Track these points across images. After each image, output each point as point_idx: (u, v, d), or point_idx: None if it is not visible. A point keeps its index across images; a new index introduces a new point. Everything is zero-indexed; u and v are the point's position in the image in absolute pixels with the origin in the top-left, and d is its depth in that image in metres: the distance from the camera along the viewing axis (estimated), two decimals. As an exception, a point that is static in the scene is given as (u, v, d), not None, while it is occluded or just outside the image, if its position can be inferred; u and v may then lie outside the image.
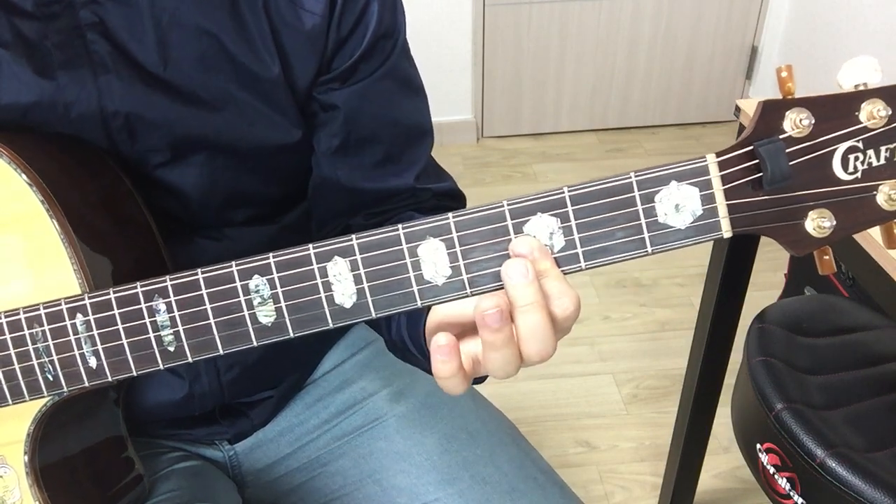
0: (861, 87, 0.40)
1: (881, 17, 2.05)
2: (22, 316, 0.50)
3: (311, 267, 0.45)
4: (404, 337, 0.59)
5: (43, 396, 0.52)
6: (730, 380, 1.17)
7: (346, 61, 0.64)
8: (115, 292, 0.48)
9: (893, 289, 0.83)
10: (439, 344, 0.44)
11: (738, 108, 1.04)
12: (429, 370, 0.58)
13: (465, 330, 0.48)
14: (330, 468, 0.75)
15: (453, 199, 0.73)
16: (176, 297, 0.47)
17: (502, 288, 0.44)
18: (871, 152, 0.41)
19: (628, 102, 2.75)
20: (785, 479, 0.95)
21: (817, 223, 0.42)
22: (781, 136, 0.41)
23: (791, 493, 0.95)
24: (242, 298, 0.45)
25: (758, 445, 1.00)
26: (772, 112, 0.41)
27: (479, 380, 0.55)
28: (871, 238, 0.84)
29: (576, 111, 2.75)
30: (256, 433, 0.78)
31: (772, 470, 0.97)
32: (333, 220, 0.71)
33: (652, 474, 1.55)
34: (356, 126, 0.66)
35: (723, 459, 1.57)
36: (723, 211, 0.42)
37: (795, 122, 0.40)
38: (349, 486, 0.73)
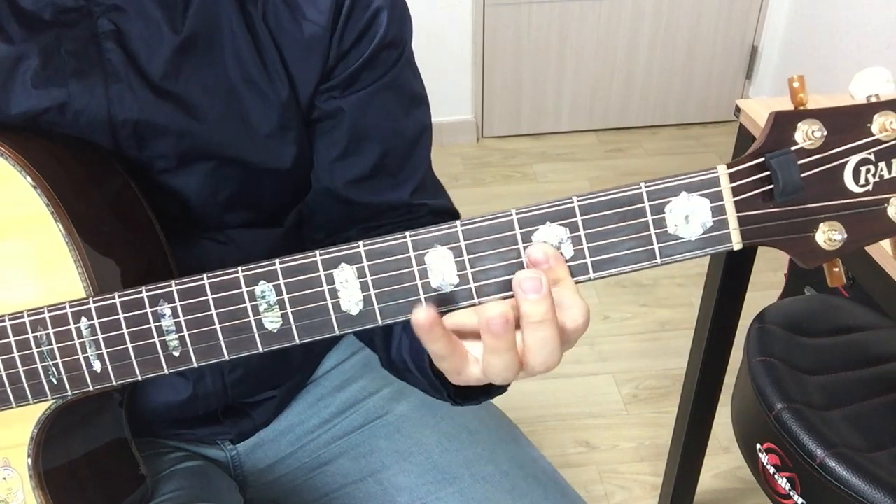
0: (873, 99, 0.40)
1: (881, 17, 2.05)
2: (26, 319, 0.50)
3: (317, 273, 0.44)
4: (405, 358, 0.59)
5: (47, 400, 0.52)
6: (730, 380, 1.17)
7: (347, 69, 0.63)
8: (120, 296, 0.48)
9: (893, 289, 0.83)
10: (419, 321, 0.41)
11: (738, 108, 1.04)
12: (428, 390, 0.58)
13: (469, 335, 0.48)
14: (331, 467, 0.75)
15: (450, 218, 0.72)
16: (181, 302, 0.46)
17: (512, 296, 0.43)
18: (882, 164, 0.40)
19: (628, 102, 2.74)
20: (785, 479, 0.95)
21: (828, 236, 0.41)
22: (793, 148, 0.40)
23: (791, 493, 0.95)
24: (248, 304, 0.45)
25: (758, 445, 1.00)
26: (783, 123, 0.40)
27: (499, 389, 0.55)
28: (872, 240, 0.85)
29: (576, 111, 2.74)
30: (258, 433, 0.78)
31: (772, 470, 0.97)
32: (328, 231, 0.70)
33: (652, 474, 1.55)
34: (355, 136, 0.65)
35: (723, 459, 1.57)
36: (733, 223, 0.41)
37: (808, 134, 0.40)
38: (350, 485, 0.73)
